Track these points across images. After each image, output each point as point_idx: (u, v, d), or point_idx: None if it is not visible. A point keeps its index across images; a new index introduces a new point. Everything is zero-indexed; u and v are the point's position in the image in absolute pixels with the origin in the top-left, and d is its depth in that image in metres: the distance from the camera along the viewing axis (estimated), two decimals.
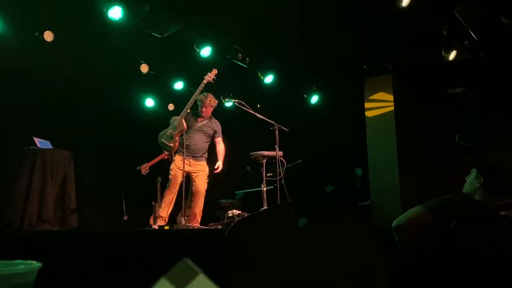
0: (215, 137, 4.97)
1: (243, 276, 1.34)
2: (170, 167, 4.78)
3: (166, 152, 4.85)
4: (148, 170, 5.03)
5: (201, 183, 4.76)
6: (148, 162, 5.03)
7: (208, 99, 4.84)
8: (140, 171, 5.00)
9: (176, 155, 4.77)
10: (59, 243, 3.49)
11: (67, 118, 5.58)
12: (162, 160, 5.02)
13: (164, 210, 4.72)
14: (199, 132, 4.85)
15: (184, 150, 4.57)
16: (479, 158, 2.39)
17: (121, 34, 4.96)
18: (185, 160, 4.57)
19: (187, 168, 4.63)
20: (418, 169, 5.11)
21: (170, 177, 4.75)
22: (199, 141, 4.83)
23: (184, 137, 4.64)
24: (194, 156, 4.78)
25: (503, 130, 4.63)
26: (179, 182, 4.67)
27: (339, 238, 1.43)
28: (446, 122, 5.23)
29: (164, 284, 0.58)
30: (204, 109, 4.85)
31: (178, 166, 4.69)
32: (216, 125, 4.99)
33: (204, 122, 4.92)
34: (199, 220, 4.77)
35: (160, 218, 4.69)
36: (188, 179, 4.75)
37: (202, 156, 4.88)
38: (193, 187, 4.78)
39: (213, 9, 4.71)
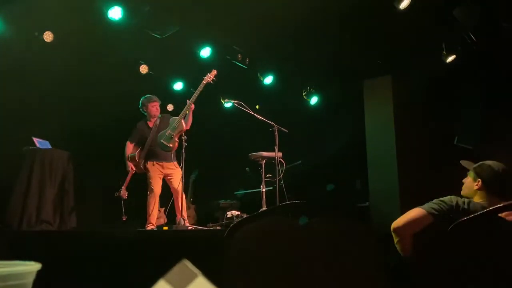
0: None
1: (241, 278, 1.34)
2: (148, 176, 4.72)
3: (131, 166, 4.75)
4: (127, 192, 4.87)
5: (176, 183, 4.71)
6: (123, 184, 4.85)
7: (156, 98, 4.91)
8: (120, 197, 4.81)
9: (148, 163, 4.72)
10: (58, 243, 3.49)
11: (67, 118, 5.57)
12: (135, 174, 4.86)
13: (154, 216, 4.70)
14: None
15: (183, 156, 4.56)
16: (476, 159, 2.38)
17: (121, 34, 4.96)
18: (159, 165, 4.70)
19: (163, 172, 4.71)
20: (417, 170, 5.11)
21: (151, 186, 4.69)
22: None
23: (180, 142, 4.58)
24: (165, 160, 4.75)
25: (503, 130, 4.63)
26: (160, 189, 4.71)
27: (338, 240, 1.43)
28: (445, 123, 5.24)
29: (163, 286, 0.58)
30: (155, 110, 4.88)
31: (155, 174, 4.69)
32: (172, 119, 4.78)
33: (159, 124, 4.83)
34: (186, 215, 4.73)
35: (150, 224, 4.66)
36: (164, 182, 4.78)
37: (173, 157, 4.81)
38: (171, 189, 4.78)
39: (213, 9, 4.71)
